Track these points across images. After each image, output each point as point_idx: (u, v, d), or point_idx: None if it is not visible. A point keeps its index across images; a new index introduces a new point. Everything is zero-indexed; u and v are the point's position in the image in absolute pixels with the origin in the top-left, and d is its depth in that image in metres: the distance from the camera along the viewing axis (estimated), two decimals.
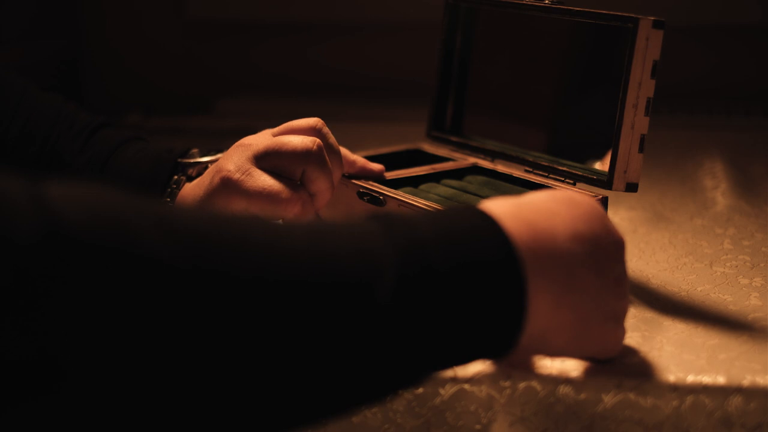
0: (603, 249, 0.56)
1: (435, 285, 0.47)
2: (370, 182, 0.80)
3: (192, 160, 0.79)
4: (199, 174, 0.78)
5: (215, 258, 0.42)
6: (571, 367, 0.60)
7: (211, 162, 0.78)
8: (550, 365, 0.60)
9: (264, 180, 0.72)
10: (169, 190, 0.77)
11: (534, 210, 0.54)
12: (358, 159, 0.83)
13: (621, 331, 0.59)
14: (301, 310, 0.43)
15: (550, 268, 0.53)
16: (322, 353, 0.44)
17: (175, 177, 0.78)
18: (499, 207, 0.53)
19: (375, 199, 0.78)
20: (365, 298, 0.45)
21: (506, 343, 0.51)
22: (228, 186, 0.73)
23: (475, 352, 0.51)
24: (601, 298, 0.56)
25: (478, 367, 0.60)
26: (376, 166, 0.83)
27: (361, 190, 0.80)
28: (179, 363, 0.40)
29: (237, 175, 0.72)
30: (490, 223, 0.51)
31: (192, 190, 0.77)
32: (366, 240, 0.47)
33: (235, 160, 0.73)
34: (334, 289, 0.44)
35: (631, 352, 0.62)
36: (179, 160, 0.79)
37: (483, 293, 0.49)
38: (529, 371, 0.60)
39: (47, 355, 0.37)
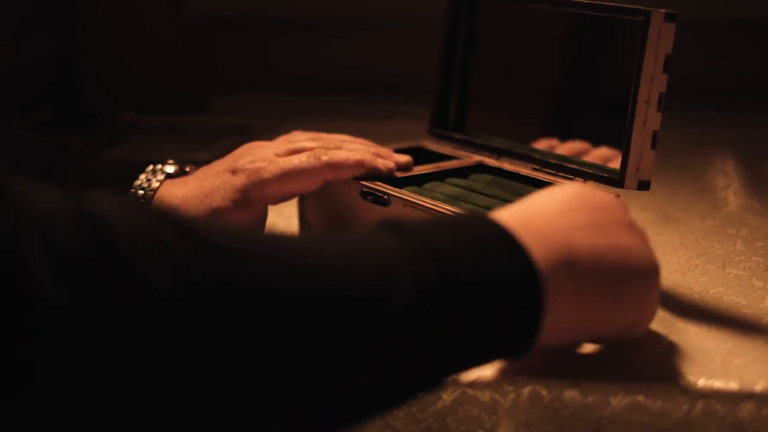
0: (625, 252, 0.56)
1: (453, 300, 0.48)
2: (374, 182, 0.78)
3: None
4: (180, 173, 0.78)
5: (241, 277, 0.42)
6: (576, 369, 0.58)
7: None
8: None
9: (290, 158, 0.75)
10: (143, 176, 0.76)
11: (545, 217, 0.54)
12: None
13: (648, 314, 0.59)
14: (320, 326, 0.44)
15: (566, 280, 0.52)
16: (339, 366, 0.45)
17: (151, 167, 0.77)
18: (512, 218, 0.53)
19: (379, 198, 0.76)
20: (382, 313, 0.46)
21: (522, 348, 0.52)
22: (258, 172, 0.74)
23: (491, 357, 0.52)
24: (622, 299, 0.56)
25: (480, 371, 0.59)
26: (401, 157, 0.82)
27: (364, 190, 0.77)
28: (208, 376, 0.41)
29: (263, 163, 0.75)
30: (506, 238, 0.51)
31: (182, 187, 0.76)
32: (383, 255, 0.48)
33: (254, 153, 0.76)
34: (351, 306, 0.45)
35: (641, 353, 0.61)
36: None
37: (500, 310, 0.50)
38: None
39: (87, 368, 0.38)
